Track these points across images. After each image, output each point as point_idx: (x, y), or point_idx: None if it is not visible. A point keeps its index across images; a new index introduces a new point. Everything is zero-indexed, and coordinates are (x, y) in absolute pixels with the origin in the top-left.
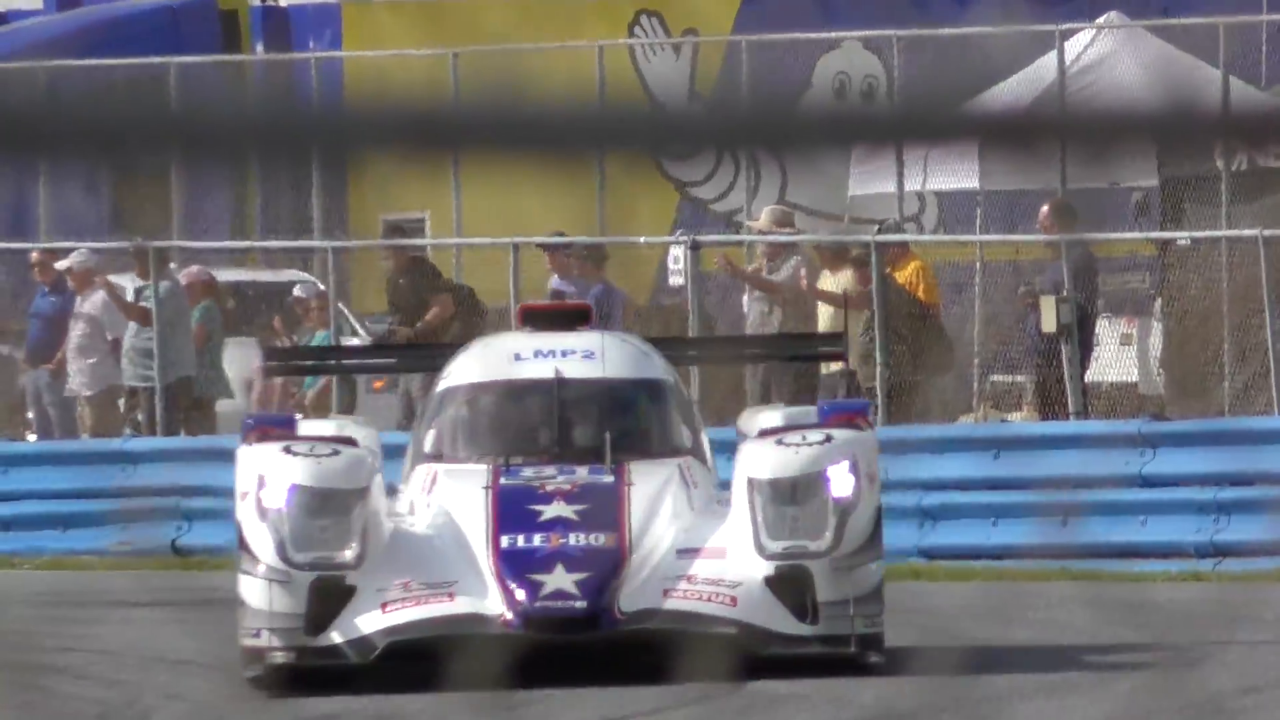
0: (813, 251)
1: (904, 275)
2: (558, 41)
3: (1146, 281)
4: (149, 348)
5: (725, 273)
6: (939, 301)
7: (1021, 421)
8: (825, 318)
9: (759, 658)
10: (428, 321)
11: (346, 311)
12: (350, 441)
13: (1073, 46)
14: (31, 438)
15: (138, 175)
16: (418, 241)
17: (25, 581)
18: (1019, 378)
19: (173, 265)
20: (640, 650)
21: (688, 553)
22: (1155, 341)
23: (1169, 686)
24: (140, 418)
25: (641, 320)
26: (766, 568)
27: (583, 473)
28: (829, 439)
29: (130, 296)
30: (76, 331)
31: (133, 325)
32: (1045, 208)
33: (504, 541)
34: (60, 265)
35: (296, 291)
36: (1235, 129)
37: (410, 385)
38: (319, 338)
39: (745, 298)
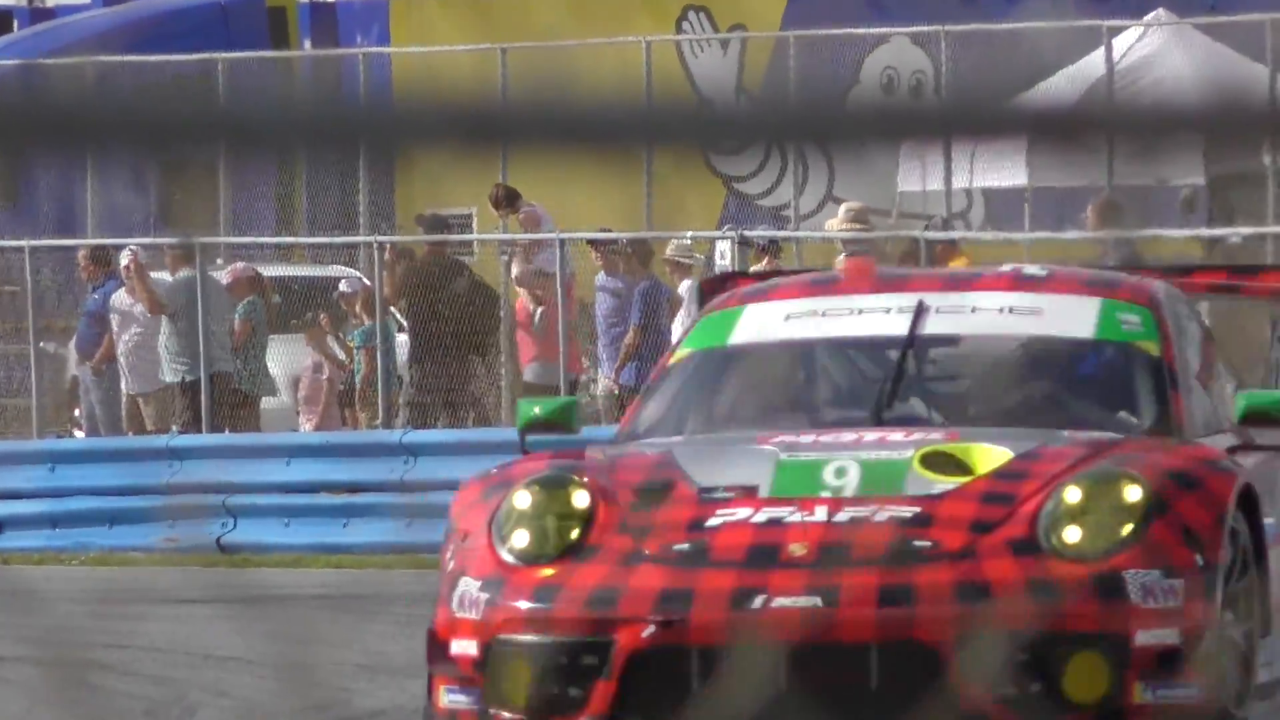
0: (884, 246)
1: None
2: (605, 37)
3: None
4: (177, 345)
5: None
6: None
7: None
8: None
9: None
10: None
11: (393, 308)
12: None
13: (1120, 43)
14: (79, 434)
15: (185, 171)
16: (463, 237)
17: (73, 578)
18: None
19: (220, 260)
20: None
21: None
22: None
23: None
24: (174, 413)
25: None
26: None
27: None
28: None
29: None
30: (132, 330)
31: (164, 322)
32: (1090, 206)
33: None
34: (124, 259)
35: (342, 287)
36: None
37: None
38: (358, 333)
39: None
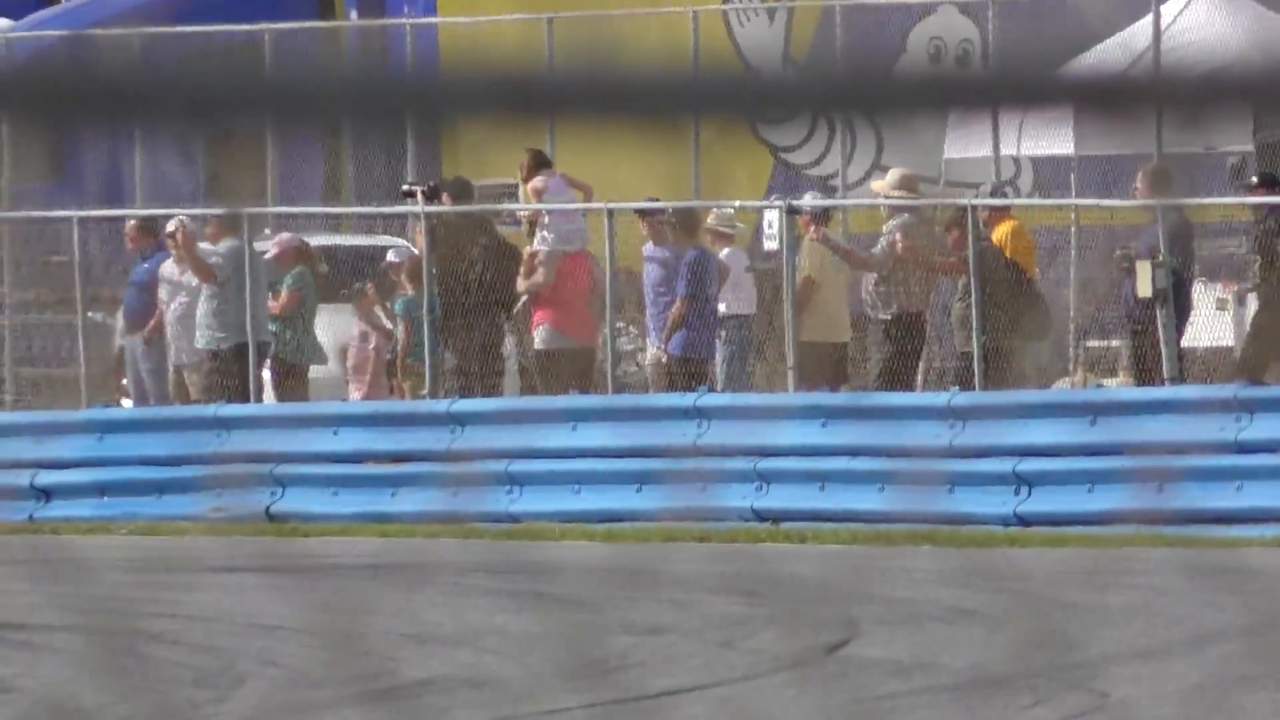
0: (931, 214)
1: (997, 235)
2: (652, 7)
3: (1243, 246)
4: (215, 314)
5: (815, 240)
6: (1033, 264)
7: (1117, 387)
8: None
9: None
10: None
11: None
12: None
13: (1168, 10)
14: (127, 403)
15: (232, 142)
16: (510, 206)
17: (121, 547)
18: (1115, 342)
19: (268, 231)
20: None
21: None
22: (1251, 306)
23: (1264, 652)
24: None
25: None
26: None
27: None
28: None
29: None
30: (179, 299)
31: (205, 290)
32: (1140, 173)
33: None
34: (170, 227)
35: (390, 257)
36: None
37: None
38: (400, 302)
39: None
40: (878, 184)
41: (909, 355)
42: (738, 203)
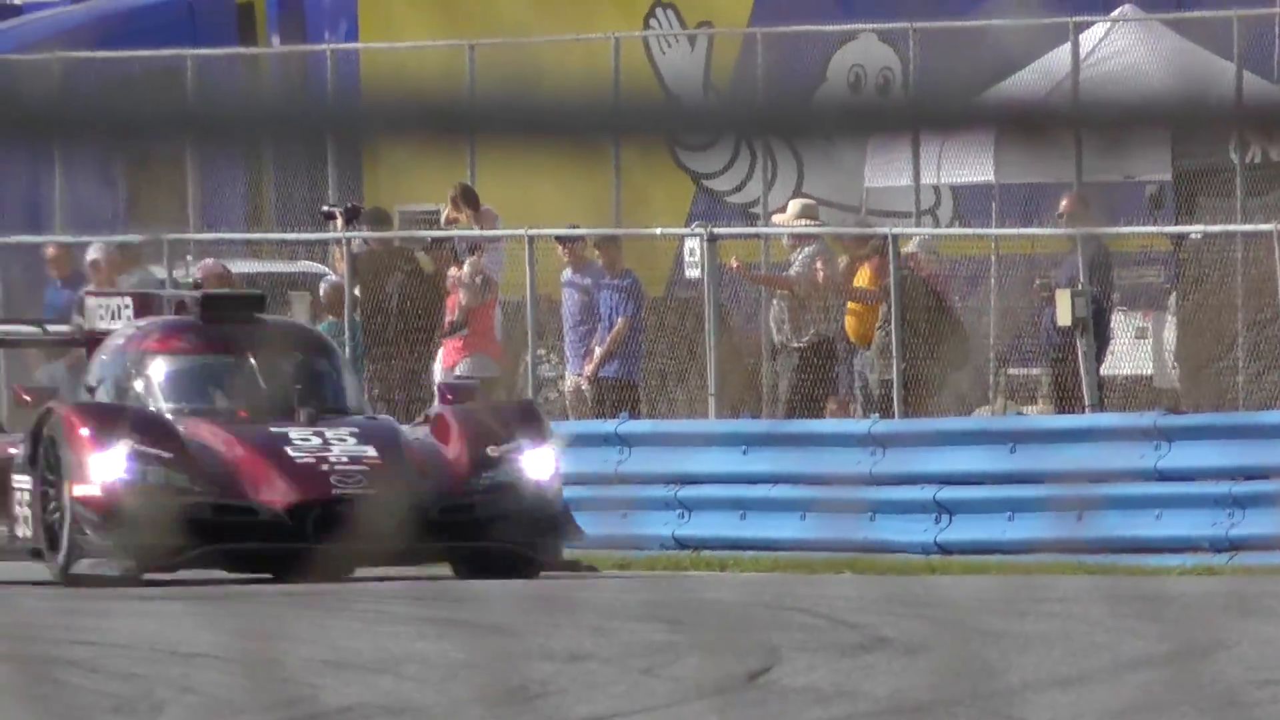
0: (834, 244)
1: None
2: (573, 33)
3: (1162, 275)
4: None
5: (737, 273)
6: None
7: (1037, 415)
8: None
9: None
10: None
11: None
12: None
13: (1087, 39)
14: None
15: (153, 168)
16: (432, 233)
17: (41, 573)
18: (1035, 370)
19: (189, 257)
20: None
21: None
22: (1170, 335)
23: (1183, 679)
24: None
25: (656, 312)
26: None
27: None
28: None
29: None
30: None
31: None
32: (1065, 199)
33: None
34: (91, 257)
35: (328, 281)
36: (1249, 121)
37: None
38: (321, 328)
39: (765, 290)
40: (779, 217)
41: (823, 383)
42: (659, 230)
